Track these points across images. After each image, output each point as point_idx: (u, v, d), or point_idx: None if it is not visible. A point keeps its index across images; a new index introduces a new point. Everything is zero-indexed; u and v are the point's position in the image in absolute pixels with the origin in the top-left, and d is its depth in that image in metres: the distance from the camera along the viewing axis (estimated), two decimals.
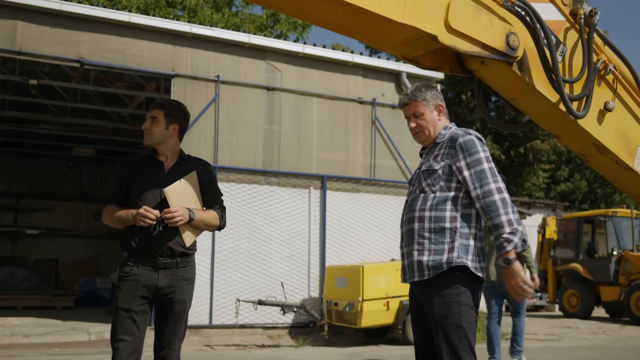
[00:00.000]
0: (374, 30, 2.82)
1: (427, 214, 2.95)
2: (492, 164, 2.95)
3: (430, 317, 2.93)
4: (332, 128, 10.93)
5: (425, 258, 2.92)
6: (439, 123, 3.13)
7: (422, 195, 3.01)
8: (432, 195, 2.97)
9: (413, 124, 3.15)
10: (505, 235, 2.80)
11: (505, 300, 7.28)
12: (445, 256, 2.89)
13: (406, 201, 3.15)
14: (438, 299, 2.88)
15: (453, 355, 2.83)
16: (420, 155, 3.26)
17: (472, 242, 2.94)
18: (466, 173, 2.93)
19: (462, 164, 2.94)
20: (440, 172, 2.98)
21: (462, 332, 2.84)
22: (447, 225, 2.91)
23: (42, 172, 16.47)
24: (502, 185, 2.90)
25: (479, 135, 3.04)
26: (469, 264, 2.89)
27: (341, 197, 10.81)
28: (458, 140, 2.99)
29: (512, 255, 2.80)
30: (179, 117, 3.56)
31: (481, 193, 2.88)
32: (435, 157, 3.05)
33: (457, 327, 2.84)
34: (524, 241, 2.89)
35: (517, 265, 2.81)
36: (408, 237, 3.02)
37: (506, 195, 2.88)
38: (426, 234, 2.94)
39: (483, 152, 2.95)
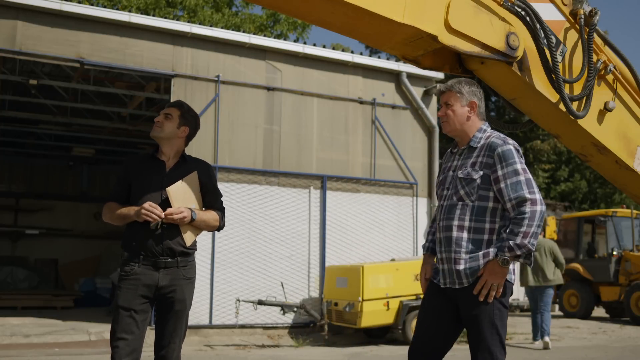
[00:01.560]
0: (374, 30, 2.82)
1: (466, 224, 3.01)
2: (529, 175, 2.96)
3: (465, 314, 3.02)
4: (332, 128, 10.93)
5: (462, 267, 2.99)
6: (468, 121, 3.12)
7: (461, 203, 3.03)
8: (472, 204, 3.01)
9: (442, 112, 3.17)
10: (514, 243, 2.86)
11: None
12: (481, 262, 2.96)
13: (441, 205, 3.16)
14: (475, 299, 2.97)
15: (486, 351, 2.96)
16: (451, 153, 3.24)
17: None
18: (502, 184, 2.95)
19: (500, 174, 2.96)
20: (478, 181, 2.99)
21: (495, 329, 2.97)
22: (486, 237, 2.99)
23: (42, 172, 16.47)
24: (537, 196, 2.91)
25: (517, 146, 3.05)
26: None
27: (341, 197, 10.80)
28: (497, 149, 2.98)
29: (510, 260, 2.89)
30: (192, 122, 3.60)
31: (516, 203, 2.91)
32: (473, 164, 3.04)
33: (491, 324, 2.96)
34: (527, 257, 2.93)
35: (506, 269, 2.91)
36: (446, 244, 3.07)
37: (539, 208, 2.89)
38: (464, 243, 3.00)
39: (520, 164, 2.97)
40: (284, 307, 9.56)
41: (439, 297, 3.14)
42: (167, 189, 3.41)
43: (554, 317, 15.50)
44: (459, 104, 3.10)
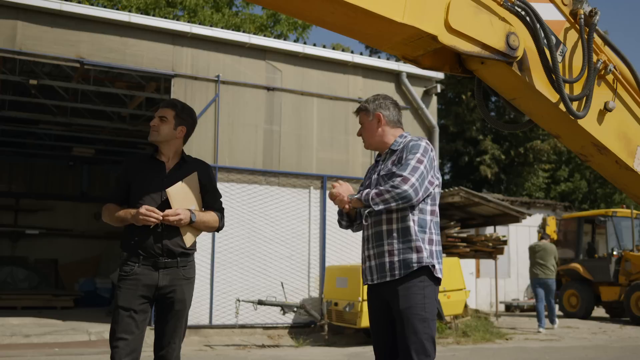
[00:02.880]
0: (373, 30, 2.82)
1: (394, 215, 3.12)
2: (422, 167, 3.09)
3: (395, 308, 3.10)
4: (332, 128, 10.93)
5: (395, 258, 3.10)
6: (378, 131, 3.33)
7: None
8: None
9: (358, 133, 3.44)
10: (366, 193, 3.07)
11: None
12: (414, 256, 3.08)
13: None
14: (403, 292, 3.08)
15: (417, 342, 3.02)
16: (376, 162, 3.42)
17: (434, 248, 3.17)
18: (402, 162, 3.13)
19: (402, 161, 3.14)
20: None
21: (426, 322, 3.05)
22: (411, 224, 3.11)
23: (42, 172, 16.46)
24: (412, 180, 3.02)
25: (429, 145, 3.21)
26: (436, 266, 3.14)
27: None
28: (410, 143, 3.21)
29: (355, 200, 3.13)
30: (189, 121, 3.59)
31: (396, 174, 3.06)
32: (393, 162, 3.21)
33: (421, 317, 3.05)
34: (367, 210, 3.14)
35: (347, 202, 3.17)
36: (377, 239, 3.17)
37: (405, 187, 3.00)
38: (395, 234, 3.11)
39: (420, 155, 3.12)
40: (284, 307, 9.55)
41: (377, 303, 3.25)
42: (167, 190, 3.41)
43: None
44: (367, 120, 3.36)
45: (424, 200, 3.13)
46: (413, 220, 3.10)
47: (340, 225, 3.47)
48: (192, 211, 3.42)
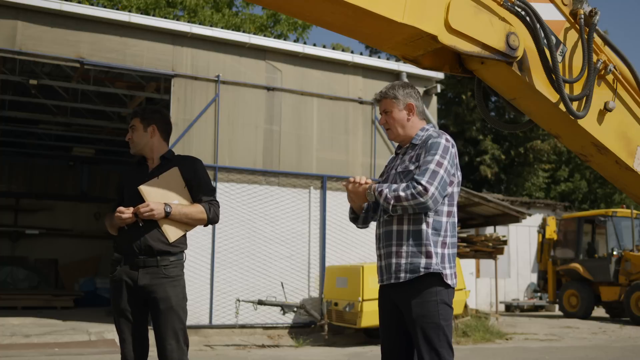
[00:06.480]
0: (374, 31, 2.81)
1: (405, 216, 2.98)
2: (442, 170, 2.92)
3: (407, 317, 2.96)
4: (332, 128, 10.93)
5: (403, 261, 2.97)
6: (408, 123, 3.16)
7: None
8: None
9: (382, 121, 3.22)
10: (386, 193, 2.91)
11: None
12: (423, 261, 2.93)
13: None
14: (416, 299, 2.93)
15: (432, 352, 2.89)
16: (396, 154, 3.27)
17: (448, 251, 3.00)
18: (421, 162, 2.98)
19: (421, 161, 2.99)
20: (415, 172, 2.99)
21: (441, 329, 2.91)
22: (424, 227, 2.96)
23: (42, 172, 16.46)
24: (431, 189, 2.86)
25: (449, 142, 3.03)
26: (445, 271, 2.96)
27: (341, 197, 10.79)
28: (429, 141, 3.03)
29: (374, 194, 2.97)
30: (155, 117, 3.59)
31: (415, 180, 2.89)
32: (410, 158, 3.08)
33: (436, 325, 2.90)
34: (384, 211, 3.02)
35: (364, 196, 3.04)
36: (386, 239, 3.05)
37: (424, 199, 2.85)
38: (405, 236, 2.98)
39: (440, 156, 2.95)
40: (284, 307, 9.56)
41: (386, 305, 3.12)
42: (139, 187, 3.44)
43: (554, 317, 15.67)
44: (397, 109, 3.15)
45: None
46: (427, 223, 2.95)
47: (352, 220, 3.30)
48: (167, 204, 3.40)
